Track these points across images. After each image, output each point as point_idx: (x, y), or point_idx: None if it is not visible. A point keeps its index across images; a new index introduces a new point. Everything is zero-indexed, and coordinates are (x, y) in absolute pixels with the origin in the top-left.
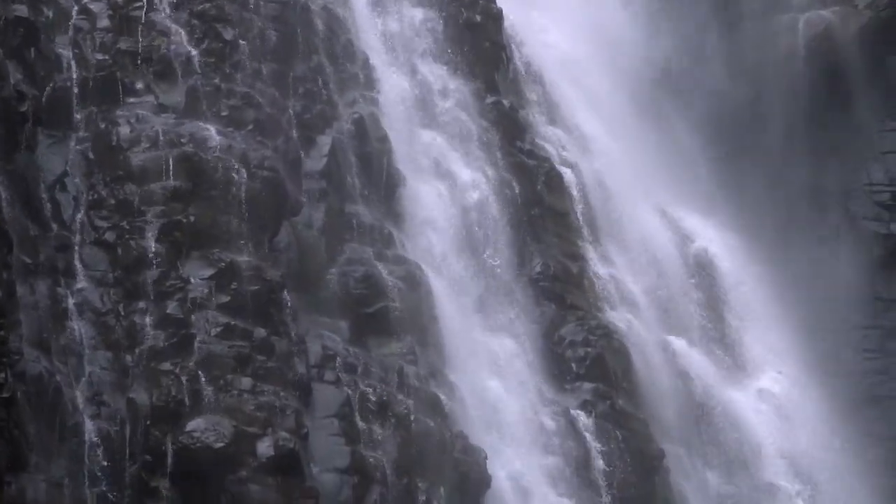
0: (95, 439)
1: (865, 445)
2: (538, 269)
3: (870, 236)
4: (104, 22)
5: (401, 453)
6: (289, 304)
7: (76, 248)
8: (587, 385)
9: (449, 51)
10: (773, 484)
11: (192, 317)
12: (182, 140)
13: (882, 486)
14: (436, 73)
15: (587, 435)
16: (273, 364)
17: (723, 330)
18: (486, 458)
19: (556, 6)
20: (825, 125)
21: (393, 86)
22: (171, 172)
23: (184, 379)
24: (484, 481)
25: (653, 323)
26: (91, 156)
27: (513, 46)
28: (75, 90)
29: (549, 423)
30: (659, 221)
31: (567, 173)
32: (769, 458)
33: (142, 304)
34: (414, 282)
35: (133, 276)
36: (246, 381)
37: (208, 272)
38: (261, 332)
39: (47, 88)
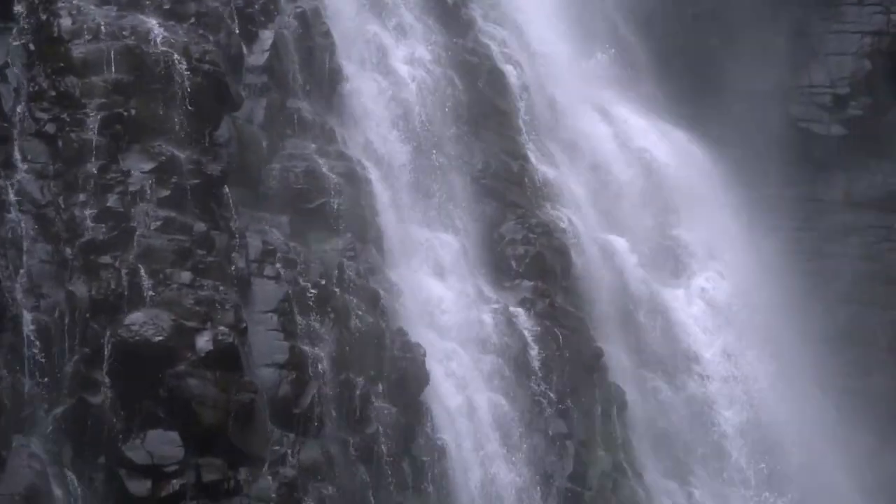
0: (34, 332)
1: (803, 348)
2: (479, 166)
3: (810, 138)
4: None
5: (339, 349)
6: (229, 198)
7: (16, 140)
8: (526, 283)
9: None
10: (711, 385)
11: (132, 210)
12: (124, 33)
13: (820, 387)
14: None
15: (526, 333)
16: (213, 258)
17: (663, 230)
18: (424, 354)
19: None
20: (767, 26)
21: None
22: (112, 65)
23: (123, 272)
24: (422, 378)
25: (593, 222)
26: (32, 47)
27: None
28: None
29: (488, 321)
30: (601, 121)
31: (510, 71)
32: (707, 359)
33: (82, 197)
34: (355, 178)
35: (73, 168)
36: (185, 276)
37: (149, 165)
38: (201, 226)
39: None
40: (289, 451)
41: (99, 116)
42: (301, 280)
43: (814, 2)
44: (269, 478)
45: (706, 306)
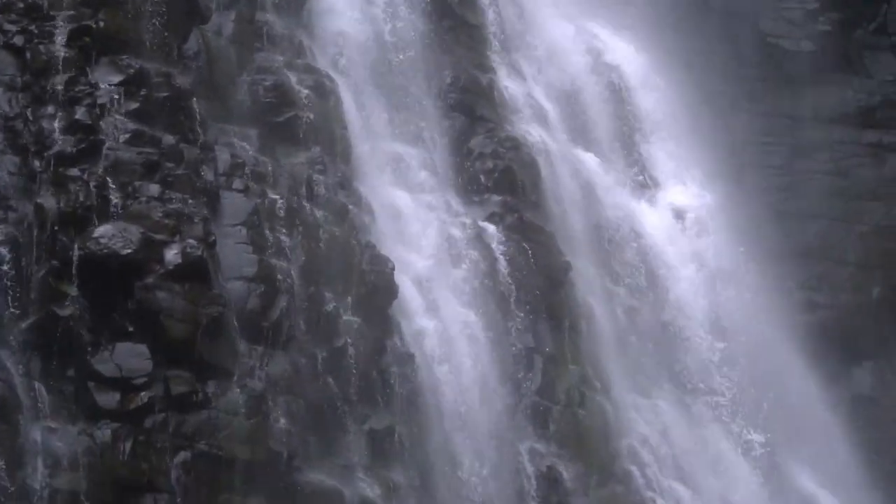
0: (2, 244)
1: (772, 263)
2: (448, 80)
3: (780, 54)
4: None
5: (308, 263)
6: (198, 111)
7: None
8: (495, 197)
9: None
10: (679, 300)
11: (101, 123)
12: None
13: (786, 302)
14: None
15: (494, 247)
16: (181, 171)
17: (632, 145)
18: (393, 268)
19: None
20: None
21: None
22: None
23: (92, 185)
24: (391, 291)
25: (562, 136)
26: None
27: None
28: None
29: (457, 235)
30: (571, 35)
31: None
32: (677, 273)
33: (50, 109)
34: (324, 91)
35: (42, 80)
36: (154, 188)
37: (117, 78)
38: (169, 139)
39: None
40: (257, 364)
41: (67, 29)
42: (270, 193)
43: None
44: (238, 390)
45: (675, 221)
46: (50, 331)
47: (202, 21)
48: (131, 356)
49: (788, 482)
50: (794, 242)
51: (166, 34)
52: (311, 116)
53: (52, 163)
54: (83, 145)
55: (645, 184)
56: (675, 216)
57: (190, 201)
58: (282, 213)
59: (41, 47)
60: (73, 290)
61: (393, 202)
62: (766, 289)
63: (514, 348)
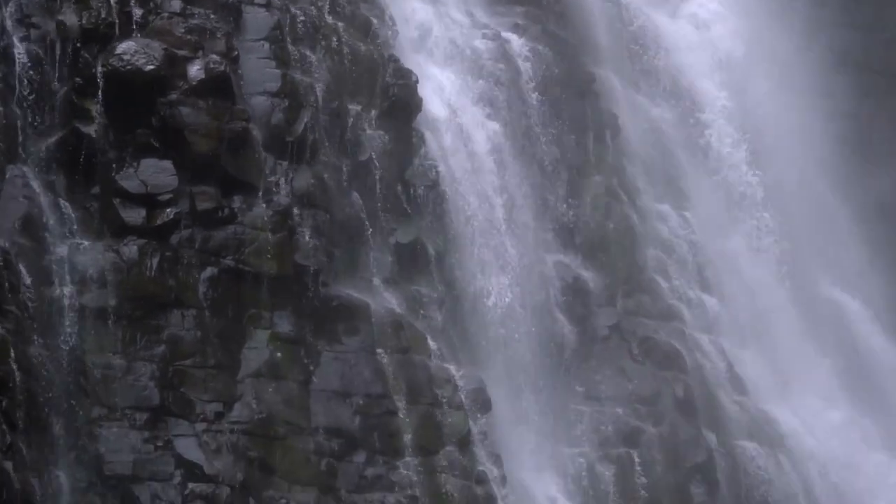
0: (25, 62)
1: (799, 68)
2: None
3: None
4: None
5: (332, 77)
6: None
7: None
8: (518, 8)
9: None
10: (705, 108)
11: None
12: None
13: (814, 108)
14: None
15: (518, 58)
16: None
17: None
18: (417, 81)
19: None
20: None
21: None
22: None
23: (113, 1)
24: (415, 104)
25: None
26: None
27: None
28: None
29: (481, 47)
30: None
31: None
32: (700, 81)
33: None
34: None
35: None
36: (176, 4)
37: None
38: None
39: None
40: (282, 179)
41: None
42: (292, 7)
43: None
44: (264, 205)
45: (699, 30)
46: (74, 148)
47: None
48: (156, 172)
49: (812, 288)
50: (818, 49)
51: None
52: None
53: None
54: None
55: None
56: (696, 26)
57: (212, 16)
58: (304, 28)
59: None
60: (96, 107)
61: (416, 15)
62: (794, 93)
63: (539, 160)
